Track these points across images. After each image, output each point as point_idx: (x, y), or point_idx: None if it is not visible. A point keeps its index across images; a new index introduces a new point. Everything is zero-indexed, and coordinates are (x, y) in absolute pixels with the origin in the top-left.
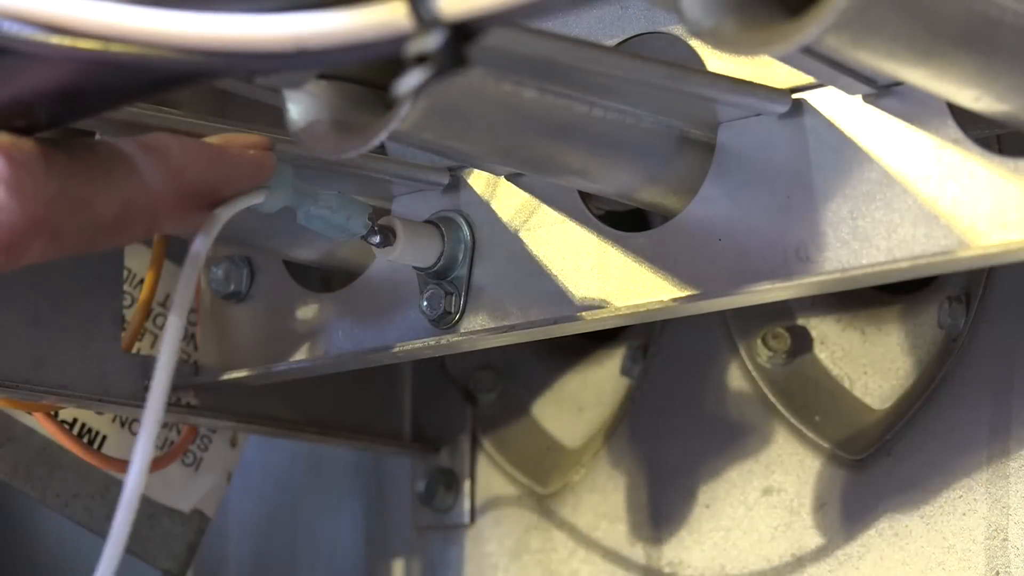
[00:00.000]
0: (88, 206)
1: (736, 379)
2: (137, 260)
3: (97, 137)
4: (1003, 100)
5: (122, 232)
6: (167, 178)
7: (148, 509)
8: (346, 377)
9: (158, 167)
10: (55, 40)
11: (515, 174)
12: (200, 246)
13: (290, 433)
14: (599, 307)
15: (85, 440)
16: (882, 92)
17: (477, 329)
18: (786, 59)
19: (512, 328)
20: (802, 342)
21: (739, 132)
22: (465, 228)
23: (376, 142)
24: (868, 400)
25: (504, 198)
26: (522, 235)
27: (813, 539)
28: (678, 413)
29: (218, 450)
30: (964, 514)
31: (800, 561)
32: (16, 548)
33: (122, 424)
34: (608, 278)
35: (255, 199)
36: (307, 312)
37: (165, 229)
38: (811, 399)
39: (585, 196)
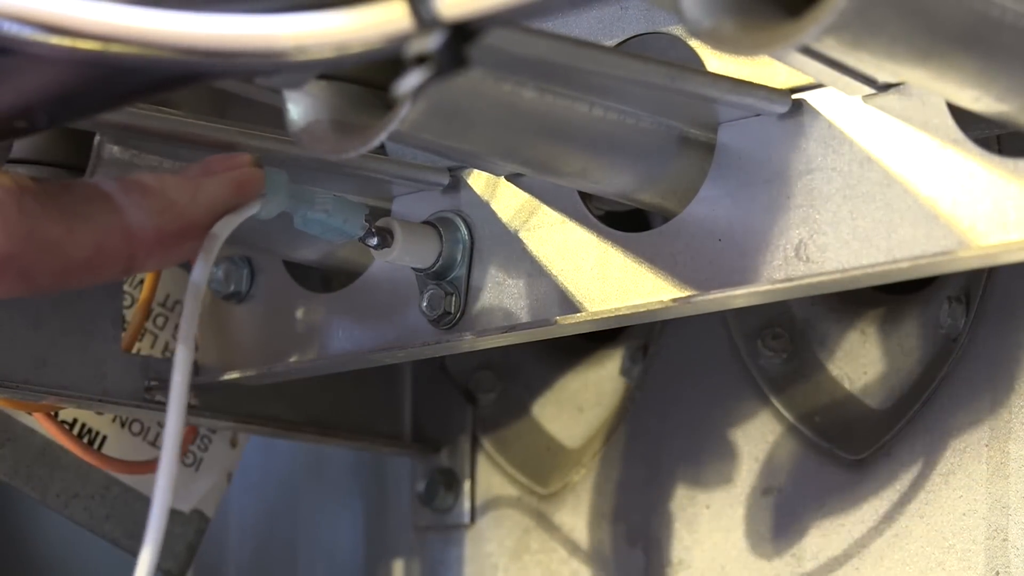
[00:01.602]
0: (59, 248)
1: (736, 379)
2: None
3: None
4: (1003, 100)
5: (96, 273)
6: (149, 218)
7: (148, 509)
8: (346, 377)
9: (140, 207)
10: (55, 40)
11: (515, 174)
12: (199, 275)
13: (290, 433)
14: (599, 307)
15: (85, 440)
16: (882, 92)
17: (477, 329)
18: (786, 59)
19: (512, 328)
20: (802, 342)
21: (739, 132)
22: (463, 229)
23: (376, 143)
24: (868, 400)
25: (504, 198)
26: (522, 235)
27: (813, 539)
28: (678, 413)
29: (218, 450)
30: (964, 514)
31: (800, 561)
32: (16, 548)
33: (122, 424)
34: (608, 278)
35: (250, 211)
36: (307, 312)
37: (145, 268)
38: (811, 399)
39: (585, 196)
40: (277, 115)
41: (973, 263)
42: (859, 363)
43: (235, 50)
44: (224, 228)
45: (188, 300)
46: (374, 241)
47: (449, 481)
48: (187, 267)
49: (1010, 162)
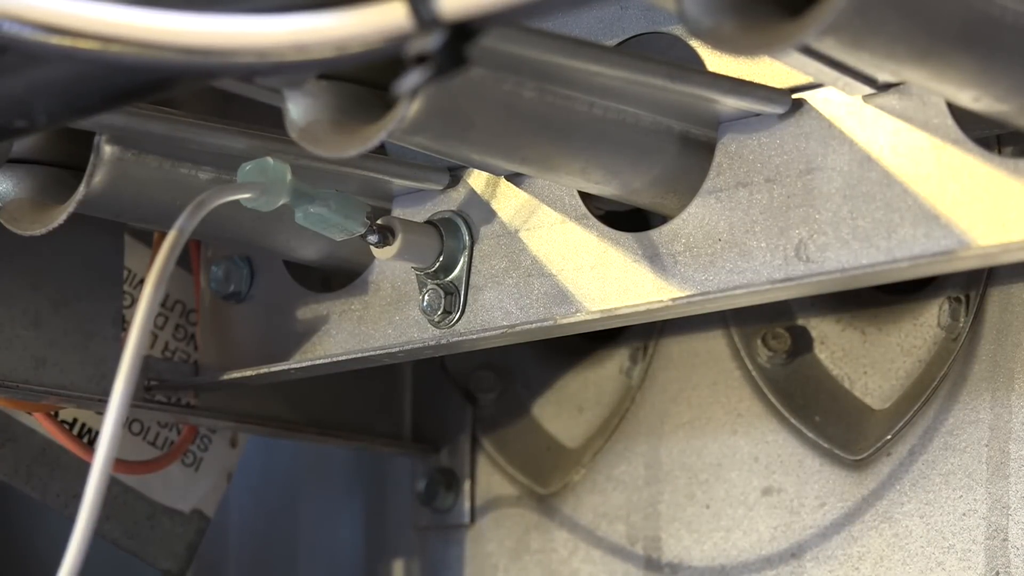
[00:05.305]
0: None
1: (736, 379)
2: (137, 260)
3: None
4: (1003, 100)
5: None
6: None
7: (148, 509)
8: (346, 377)
9: None
10: (55, 40)
11: (515, 174)
12: (185, 222)
13: (290, 433)
14: (599, 307)
15: (85, 440)
16: (882, 92)
17: (477, 329)
18: (786, 59)
19: (512, 328)
20: (802, 342)
21: (739, 132)
22: (464, 229)
23: (376, 142)
24: (868, 400)
25: (504, 198)
26: (522, 235)
27: (813, 539)
28: (678, 413)
29: (218, 450)
30: (964, 514)
31: (800, 561)
32: (16, 548)
33: (122, 424)
34: (608, 278)
35: (244, 193)
36: (307, 312)
37: None
38: (811, 399)
39: (585, 196)
40: (277, 115)
41: (973, 263)
42: (859, 363)
43: (235, 50)
44: (215, 197)
45: (167, 245)
46: (375, 238)
47: (449, 481)
48: (187, 267)
49: (1010, 162)
